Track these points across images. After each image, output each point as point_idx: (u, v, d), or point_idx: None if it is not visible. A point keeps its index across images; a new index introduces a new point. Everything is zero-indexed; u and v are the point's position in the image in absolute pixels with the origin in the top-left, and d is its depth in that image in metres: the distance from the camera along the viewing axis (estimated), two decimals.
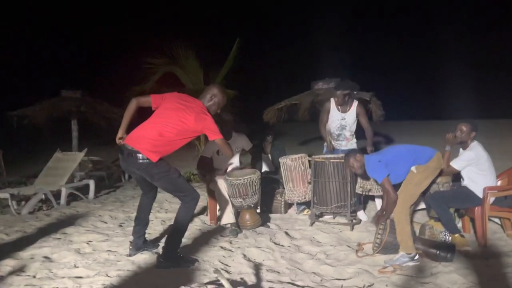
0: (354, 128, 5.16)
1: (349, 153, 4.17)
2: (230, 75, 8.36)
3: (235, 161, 5.19)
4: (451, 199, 4.04)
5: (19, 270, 3.40)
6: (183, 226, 3.55)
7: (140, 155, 3.31)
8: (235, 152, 5.25)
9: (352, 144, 5.22)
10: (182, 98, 3.63)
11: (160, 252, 3.58)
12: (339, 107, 5.10)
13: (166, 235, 3.67)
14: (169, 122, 3.42)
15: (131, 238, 4.25)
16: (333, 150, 5.16)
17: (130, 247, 3.80)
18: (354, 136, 5.23)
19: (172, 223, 3.82)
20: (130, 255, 3.74)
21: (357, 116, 5.09)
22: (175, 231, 3.53)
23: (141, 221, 3.82)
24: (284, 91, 8.01)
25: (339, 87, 5.05)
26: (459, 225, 4.28)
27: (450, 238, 3.83)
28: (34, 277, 3.29)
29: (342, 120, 5.11)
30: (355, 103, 5.11)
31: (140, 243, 3.81)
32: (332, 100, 5.17)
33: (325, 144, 5.27)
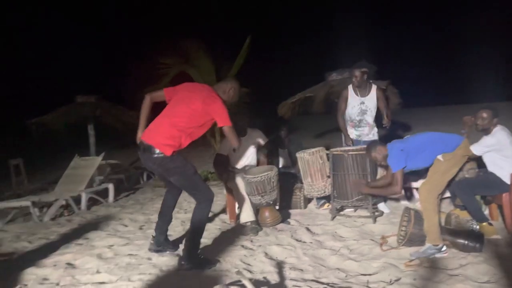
0: (374, 112, 5.01)
1: (369, 146, 4.10)
2: (243, 72, 8.29)
3: (252, 157, 5.15)
4: (477, 186, 3.90)
5: (43, 278, 3.42)
6: (200, 227, 3.52)
7: (154, 150, 3.31)
8: (252, 148, 5.21)
9: (374, 132, 5.08)
10: (192, 86, 3.68)
11: (181, 254, 3.56)
12: (357, 91, 4.97)
13: (185, 237, 3.65)
14: (178, 111, 3.42)
15: (153, 233, 4.29)
16: (352, 144, 5.06)
17: (151, 241, 3.83)
18: (375, 124, 5.09)
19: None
20: (150, 250, 3.78)
21: (377, 100, 4.95)
22: (193, 232, 3.51)
23: (164, 217, 3.82)
24: (298, 85, 7.89)
25: (357, 66, 4.94)
26: (486, 212, 4.13)
27: (478, 227, 3.71)
28: (58, 284, 3.30)
29: (362, 105, 4.98)
30: (374, 87, 4.97)
31: (161, 240, 3.81)
32: (350, 87, 5.07)
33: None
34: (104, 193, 6.82)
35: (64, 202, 6.03)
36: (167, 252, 3.82)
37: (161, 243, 3.81)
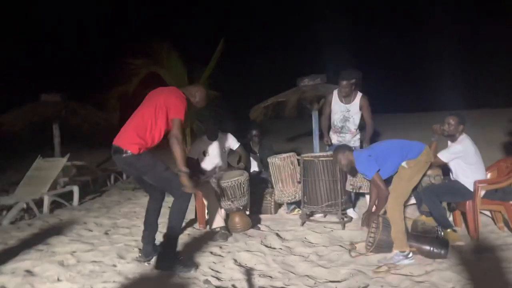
0: (358, 120, 4.97)
1: (338, 148, 4.11)
2: (215, 75, 8.23)
3: (222, 162, 5.10)
4: (443, 193, 3.99)
5: (0, 286, 3.24)
6: (176, 224, 3.47)
7: (122, 150, 3.31)
8: (223, 152, 5.16)
9: (356, 139, 5.05)
10: (161, 88, 3.69)
11: (160, 252, 3.49)
12: (342, 98, 4.96)
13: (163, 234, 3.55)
14: (143, 110, 3.46)
15: (119, 245, 4.15)
16: (330, 145, 5.08)
17: (139, 254, 3.71)
18: (358, 130, 5.05)
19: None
20: (139, 261, 3.64)
21: (360, 109, 4.93)
22: (170, 228, 3.46)
23: (149, 226, 3.71)
24: (270, 89, 7.90)
25: (345, 77, 4.82)
26: (451, 219, 4.24)
27: (442, 233, 3.80)
28: None
29: (345, 112, 4.95)
30: (359, 95, 4.92)
31: (149, 250, 3.69)
32: (335, 92, 5.05)
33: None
34: (68, 196, 6.58)
35: (24, 205, 5.77)
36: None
37: (150, 253, 3.67)
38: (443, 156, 3.92)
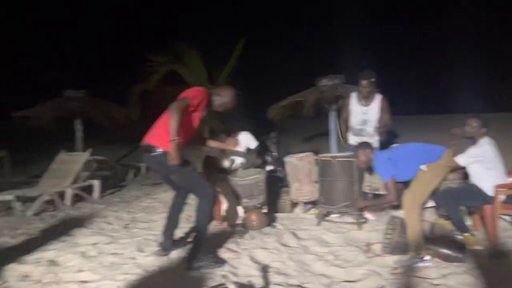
0: (376, 124, 4.94)
1: (361, 144, 4.14)
2: (234, 74, 8.30)
3: (241, 160, 5.16)
4: (461, 197, 3.96)
5: (24, 276, 3.37)
6: (204, 225, 3.53)
7: (152, 148, 3.39)
8: (241, 150, 5.21)
9: (375, 140, 5.00)
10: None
11: (189, 253, 3.55)
12: (361, 101, 4.94)
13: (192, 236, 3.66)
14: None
15: (139, 239, 4.25)
16: (347, 144, 5.09)
17: (159, 248, 3.81)
18: (376, 133, 5.01)
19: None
20: (158, 255, 3.74)
21: (381, 111, 4.89)
22: (197, 230, 3.54)
23: (171, 220, 3.81)
24: (288, 89, 7.93)
25: (365, 76, 4.80)
26: (469, 223, 4.20)
27: (461, 237, 3.77)
28: (40, 281, 3.26)
29: (363, 115, 4.93)
30: (379, 97, 4.89)
31: (169, 244, 3.80)
32: (353, 95, 5.05)
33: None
34: (89, 190, 6.75)
35: (48, 198, 5.95)
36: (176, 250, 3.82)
37: (168, 248, 3.79)
38: (461, 159, 3.89)
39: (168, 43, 8.47)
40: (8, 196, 5.68)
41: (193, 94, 3.45)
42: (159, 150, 3.37)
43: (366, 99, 4.91)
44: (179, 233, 4.25)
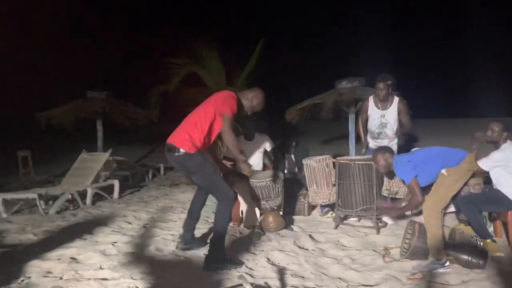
0: (395, 126, 4.92)
1: (380, 148, 4.12)
2: (253, 75, 8.32)
3: (258, 162, 5.18)
4: (483, 203, 3.88)
5: (46, 272, 3.46)
6: (222, 227, 3.57)
7: (175, 148, 3.47)
8: (259, 152, 5.24)
9: (394, 143, 4.98)
10: (217, 93, 3.79)
11: (207, 253, 3.60)
12: (378, 104, 4.92)
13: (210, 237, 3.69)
14: (197, 111, 3.64)
15: (157, 238, 4.32)
16: (367, 148, 5.06)
17: (179, 240, 3.89)
18: (395, 136, 4.98)
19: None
20: (177, 248, 3.85)
21: (398, 114, 4.88)
22: (216, 231, 3.57)
23: (193, 214, 3.91)
24: (307, 91, 7.91)
25: (381, 79, 4.80)
26: (491, 229, 4.11)
27: (481, 243, 3.70)
28: (61, 278, 3.34)
29: (382, 118, 4.92)
30: (396, 99, 4.87)
31: (189, 238, 3.88)
32: (371, 99, 5.03)
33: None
34: (109, 189, 6.86)
35: (70, 196, 6.08)
36: (194, 249, 3.88)
37: (189, 241, 3.88)
38: (483, 164, 3.82)
39: (188, 45, 8.54)
40: (31, 195, 5.83)
41: (229, 106, 3.49)
42: (181, 151, 3.46)
43: (383, 102, 4.89)
44: (197, 233, 4.29)
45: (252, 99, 3.78)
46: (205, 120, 3.52)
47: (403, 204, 4.09)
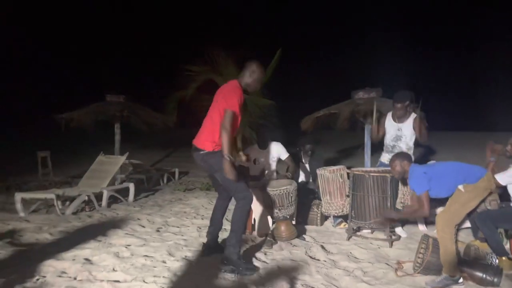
0: (410, 141, 4.90)
1: (399, 154, 4.10)
2: (270, 84, 8.37)
3: (271, 170, 5.20)
4: (499, 219, 3.82)
5: (61, 272, 3.53)
6: (238, 228, 3.62)
7: (198, 148, 3.62)
8: (272, 161, 5.26)
9: (411, 155, 4.89)
10: (221, 87, 3.84)
11: (222, 257, 3.64)
12: (395, 117, 4.95)
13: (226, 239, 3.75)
14: (211, 110, 3.71)
15: (170, 243, 4.37)
16: (378, 163, 5.03)
17: (203, 248, 3.98)
18: (412, 151, 4.93)
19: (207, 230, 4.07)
20: (204, 255, 3.93)
21: (414, 129, 4.86)
22: (232, 232, 3.63)
23: (214, 222, 3.98)
24: (323, 100, 7.91)
25: (399, 99, 4.84)
26: (507, 246, 4.03)
27: (497, 260, 3.63)
28: (75, 278, 3.40)
29: (398, 131, 4.93)
30: (413, 116, 4.88)
31: (213, 245, 3.96)
32: (389, 114, 5.07)
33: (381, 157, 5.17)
34: (124, 192, 6.96)
35: (86, 198, 6.19)
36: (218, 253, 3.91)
37: (213, 248, 3.95)
38: (500, 178, 3.77)
39: (206, 52, 8.64)
40: (50, 195, 5.95)
41: (232, 99, 3.52)
42: (203, 151, 3.59)
43: (400, 117, 4.89)
44: (191, 240, 4.34)
45: (252, 75, 3.76)
46: (221, 117, 3.57)
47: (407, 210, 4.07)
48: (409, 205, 4.15)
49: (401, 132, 4.91)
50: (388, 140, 5.02)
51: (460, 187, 3.62)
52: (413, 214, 3.91)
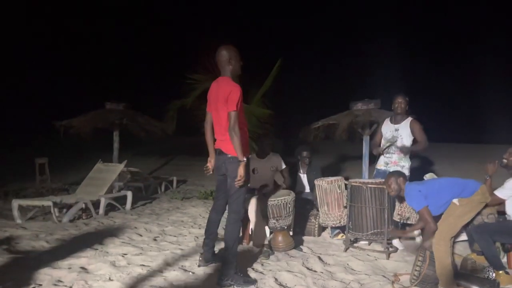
0: (407, 143, 4.92)
1: (394, 172, 4.14)
2: (269, 94, 8.40)
3: (269, 180, 5.21)
4: (497, 233, 3.82)
5: (57, 280, 3.51)
6: (233, 244, 3.60)
7: (223, 152, 3.64)
8: (270, 171, 5.27)
9: (406, 160, 4.94)
10: (213, 89, 3.80)
11: (220, 269, 3.63)
12: (393, 119, 5.05)
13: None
14: (220, 109, 3.64)
15: (166, 252, 4.35)
16: (381, 154, 5.06)
17: (200, 259, 3.96)
18: (407, 157, 4.97)
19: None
20: (199, 266, 3.91)
21: (412, 133, 4.91)
22: (226, 248, 3.62)
23: (210, 235, 3.97)
24: (322, 110, 7.95)
25: (400, 94, 5.00)
26: (504, 260, 4.03)
27: (494, 274, 3.63)
28: (71, 287, 3.38)
29: (395, 132, 4.98)
30: (409, 118, 4.97)
31: (209, 256, 3.94)
32: (386, 120, 5.17)
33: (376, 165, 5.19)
34: (122, 200, 6.95)
35: (83, 205, 6.18)
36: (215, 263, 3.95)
37: (210, 259, 3.94)
38: (499, 193, 3.79)
39: (207, 60, 8.67)
40: (46, 202, 5.94)
41: (233, 99, 3.50)
42: (228, 155, 3.61)
43: (398, 116, 5.00)
44: (188, 249, 4.37)
45: (230, 61, 3.71)
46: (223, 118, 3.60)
47: (415, 232, 4.07)
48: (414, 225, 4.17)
49: (397, 132, 4.96)
50: (385, 140, 5.07)
51: (455, 200, 3.64)
52: (425, 235, 3.86)
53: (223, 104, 3.57)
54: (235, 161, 3.55)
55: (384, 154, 5.03)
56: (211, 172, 3.90)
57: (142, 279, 3.59)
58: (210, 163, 3.89)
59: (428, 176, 4.87)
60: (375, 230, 4.45)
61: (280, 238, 4.47)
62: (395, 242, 4.69)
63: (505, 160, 3.85)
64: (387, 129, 5.10)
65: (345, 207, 4.68)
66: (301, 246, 4.69)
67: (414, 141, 4.99)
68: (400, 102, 4.97)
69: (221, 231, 4.11)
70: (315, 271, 3.93)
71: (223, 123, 3.63)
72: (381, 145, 5.14)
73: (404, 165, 4.91)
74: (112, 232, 5.22)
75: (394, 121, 5.06)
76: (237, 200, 3.64)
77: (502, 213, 4.00)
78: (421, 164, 9.43)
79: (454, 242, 4.24)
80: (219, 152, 3.72)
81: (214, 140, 3.83)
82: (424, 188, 3.74)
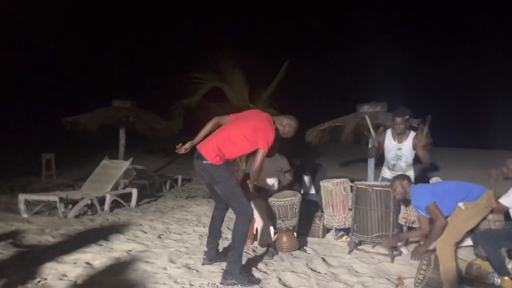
0: (410, 159, 4.94)
1: (399, 175, 4.14)
2: (276, 95, 8.41)
3: (275, 180, 5.21)
4: (502, 239, 3.79)
5: (62, 275, 3.54)
6: (239, 242, 3.59)
7: (203, 157, 3.56)
8: (276, 171, 5.26)
9: (410, 176, 4.87)
10: (254, 111, 3.92)
11: (224, 268, 3.62)
12: (395, 136, 4.98)
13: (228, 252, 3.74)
14: (233, 126, 3.69)
15: (171, 249, 4.36)
16: (378, 145, 5.09)
17: (204, 257, 3.98)
18: (412, 167, 4.99)
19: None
20: (203, 264, 3.93)
21: (414, 148, 4.90)
22: (232, 247, 3.61)
23: (213, 233, 3.99)
24: (328, 112, 7.94)
25: (399, 114, 4.87)
26: (510, 266, 4.00)
27: (499, 280, 3.61)
28: (76, 282, 3.41)
29: (398, 151, 4.96)
30: (412, 134, 4.93)
31: (213, 254, 3.97)
32: (388, 132, 5.09)
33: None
34: (127, 197, 6.98)
35: (89, 201, 6.21)
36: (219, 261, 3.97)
37: (213, 257, 3.96)
38: (504, 200, 3.76)
39: (213, 60, 8.70)
40: (52, 197, 5.98)
41: (268, 140, 3.58)
42: (207, 161, 3.55)
43: (400, 135, 4.92)
44: (193, 248, 4.38)
45: (285, 126, 3.86)
46: (240, 138, 3.60)
47: (420, 232, 4.05)
48: (418, 228, 4.14)
49: (400, 151, 4.95)
50: (389, 158, 5.05)
51: (461, 204, 3.62)
52: (435, 231, 3.79)
53: (249, 129, 3.61)
54: (217, 168, 3.55)
55: (390, 171, 5.03)
56: (182, 152, 3.82)
57: (146, 275, 3.60)
58: (186, 145, 3.81)
59: (434, 180, 4.86)
60: (379, 233, 4.43)
61: (284, 238, 4.46)
62: (400, 245, 4.67)
63: (505, 170, 3.83)
64: (390, 147, 5.04)
65: (350, 209, 4.67)
66: (305, 247, 4.68)
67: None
68: (399, 124, 4.86)
69: (226, 230, 4.12)
70: (319, 272, 3.92)
71: (227, 137, 3.61)
72: (385, 158, 5.12)
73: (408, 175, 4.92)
74: (117, 229, 5.25)
75: (397, 139, 4.99)
76: (238, 201, 3.61)
77: (508, 219, 3.98)
78: (424, 171, 9.38)
79: (458, 247, 4.22)
80: (197, 155, 3.63)
81: (203, 139, 3.79)
82: (430, 187, 3.73)
